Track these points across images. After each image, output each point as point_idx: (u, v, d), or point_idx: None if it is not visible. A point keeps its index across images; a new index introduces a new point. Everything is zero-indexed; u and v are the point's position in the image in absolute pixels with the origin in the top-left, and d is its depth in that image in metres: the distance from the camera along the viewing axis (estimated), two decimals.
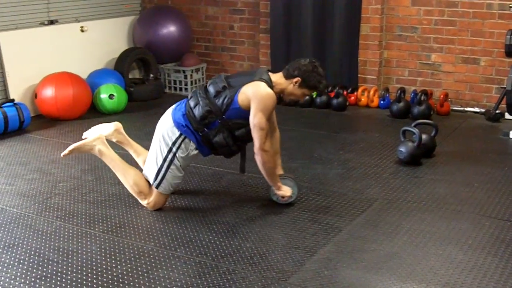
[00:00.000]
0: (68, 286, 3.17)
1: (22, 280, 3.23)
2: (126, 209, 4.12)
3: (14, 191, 4.49)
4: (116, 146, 4.43)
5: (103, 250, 3.55)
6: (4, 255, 3.51)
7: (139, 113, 6.59)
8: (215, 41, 7.79)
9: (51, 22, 6.80)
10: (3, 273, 3.31)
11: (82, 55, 7.02)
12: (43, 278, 3.26)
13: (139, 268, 3.33)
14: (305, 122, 6.19)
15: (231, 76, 4.08)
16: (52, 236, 3.75)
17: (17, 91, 6.36)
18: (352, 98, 6.73)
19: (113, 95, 6.52)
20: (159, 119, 4.10)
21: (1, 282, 3.21)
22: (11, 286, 3.18)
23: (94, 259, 3.45)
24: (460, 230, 3.75)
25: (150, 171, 4.04)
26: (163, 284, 3.17)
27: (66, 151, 4.14)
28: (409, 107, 6.19)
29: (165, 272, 3.29)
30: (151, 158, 4.05)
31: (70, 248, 3.59)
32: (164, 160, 3.96)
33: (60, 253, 3.53)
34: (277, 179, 4.04)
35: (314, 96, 6.70)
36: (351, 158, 5.07)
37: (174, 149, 3.94)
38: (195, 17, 7.83)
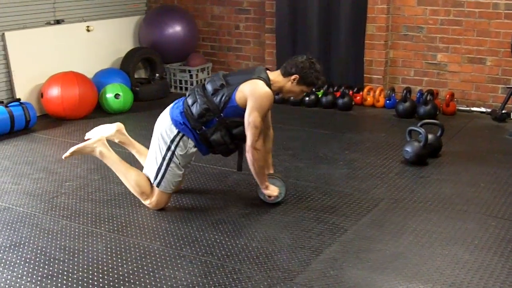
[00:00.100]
0: (74, 285, 3.18)
1: (29, 279, 3.24)
2: (132, 208, 4.13)
3: (20, 190, 4.51)
4: (118, 147, 4.44)
5: (109, 249, 3.56)
6: (10, 254, 3.53)
7: (144, 113, 6.59)
8: (220, 41, 7.80)
9: (57, 22, 6.82)
10: (10, 272, 3.32)
11: (88, 54, 7.03)
12: (49, 277, 3.26)
13: (145, 267, 3.34)
14: (311, 121, 6.19)
15: (229, 74, 4.09)
16: (58, 235, 3.76)
17: (23, 91, 6.38)
18: (358, 97, 6.72)
19: (119, 94, 6.53)
20: None
21: (8, 281, 3.22)
22: (17, 285, 3.19)
23: (100, 258, 3.45)
24: (466, 230, 3.74)
25: (150, 170, 4.05)
26: (169, 283, 3.17)
27: (67, 153, 4.17)
28: (415, 107, 6.17)
29: (171, 271, 3.30)
30: (150, 157, 4.06)
31: (76, 247, 3.59)
32: (163, 158, 3.96)
33: (66, 252, 3.53)
34: (265, 178, 4.05)
35: (320, 95, 6.70)
36: (357, 158, 5.06)
37: (172, 147, 3.95)
38: (201, 17, 7.83)
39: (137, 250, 3.55)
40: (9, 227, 3.88)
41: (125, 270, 3.31)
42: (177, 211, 4.10)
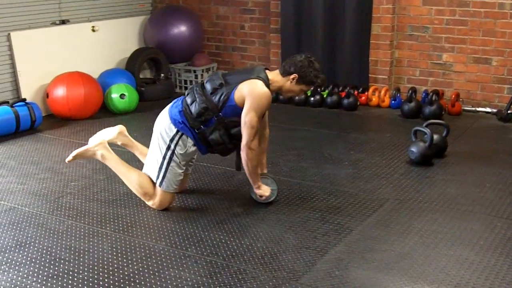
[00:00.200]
0: (80, 285, 3.18)
1: (34, 279, 3.25)
2: (137, 208, 4.13)
3: (26, 190, 4.52)
4: (119, 147, 4.45)
5: (114, 249, 3.56)
6: (16, 254, 3.53)
7: (150, 113, 6.57)
8: (225, 41, 7.80)
9: (63, 22, 6.83)
10: (16, 272, 3.33)
11: (93, 54, 7.05)
12: (55, 276, 3.27)
13: (150, 267, 3.34)
14: (316, 122, 6.18)
15: (229, 73, 4.10)
16: (64, 235, 3.77)
17: (28, 91, 6.39)
18: (363, 98, 6.71)
19: (124, 94, 6.54)
20: None
21: (14, 281, 3.23)
22: (23, 285, 3.19)
23: (105, 258, 3.46)
24: (471, 230, 3.73)
25: (151, 170, 4.06)
26: (174, 283, 3.18)
27: (70, 157, 4.20)
28: (420, 107, 6.16)
29: (176, 271, 3.30)
30: (151, 156, 4.07)
31: (81, 247, 3.60)
32: (164, 157, 3.97)
33: (72, 252, 3.54)
34: (258, 178, 4.06)
35: (325, 95, 6.70)
36: (362, 158, 5.06)
37: (172, 146, 3.95)
38: (206, 17, 7.84)
39: (142, 250, 3.56)
40: (14, 227, 3.89)
41: (131, 270, 3.32)
42: (182, 211, 4.10)
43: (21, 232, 3.82)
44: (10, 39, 6.25)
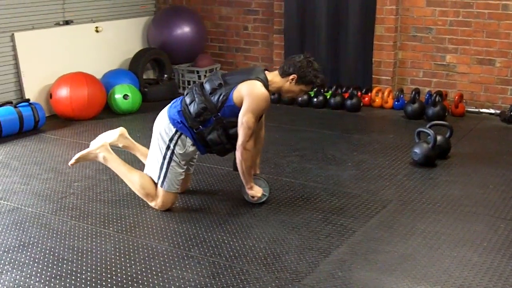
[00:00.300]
0: (83, 285, 3.18)
1: (37, 279, 3.25)
2: (140, 209, 4.13)
3: (29, 190, 4.52)
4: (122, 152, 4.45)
5: (117, 250, 3.57)
6: (19, 254, 3.54)
7: (153, 114, 6.49)
8: (229, 42, 7.81)
9: (67, 23, 6.84)
10: (19, 272, 3.33)
11: (97, 55, 7.05)
12: (58, 277, 3.27)
13: (153, 268, 3.34)
14: (319, 123, 6.18)
15: (228, 73, 4.11)
16: (67, 235, 3.77)
17: (32, 91, 6.40)
18: (366, 99, 6.71)
19: (127, 95, 6.54)
20: None
21: (17, 281, 3.23)
22: (26, 285, 3.20)
23: (108, 259, 3.46)
24: (475, 232, 3.73)
25: (152, 170, 4.06)
26: (177, 284, 3.18)
27: (72, 160, 4.23)
28: (424, 108, 6.16)
29: (179, 272, 3.30)
30: (151, 157, 4.07)
31: (84, 248, 3.60)
32: (164, 157, 3.98)
33: (75, 252, 3.54)
34: (250, 178, 4.06)
35: (328, 96, 6.70)
36: (365, 159, 5.05)
37: (171, 146, 3.96)
38: (209, 18, 7.84)
39: (145, 250, 3.56)
40: (18, 227, 3.89)
41: (133, 271, 3.32)
42: (185, 211, 4.10)
43: (24, 233, 3.82)
44: (13, 39, 6.26)
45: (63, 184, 4.62)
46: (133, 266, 3.37)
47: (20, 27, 6.36)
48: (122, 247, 3.60)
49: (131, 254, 3.51)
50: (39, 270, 3.34)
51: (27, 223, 3.96)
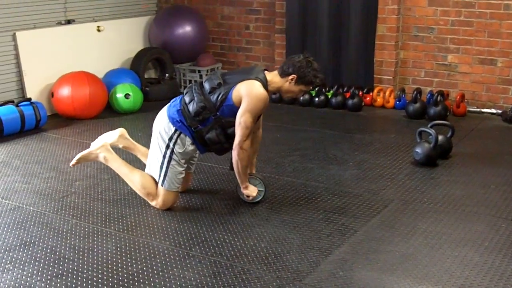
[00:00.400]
0: (84, 284, 3.19)
1: (38, 278, 3.25)
2: (142, 208, 4.14)
3: (31, 189, 4.52)
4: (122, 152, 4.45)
5: (118, 249, 3.57)
6: (20, 253, 3.54)
7: (154, 113, 6.47)
8: (230, 41, 7.80)
9: (68, 22, 6.85)
10: (20, 271, 3.33)
11: (98, 54, 7.06)
12: (59, 276, 3.27)
13: (154, 267, 3.34)
14: (321, 122, 6.18)
15: (228, 73, 4.11)
16: (68, 235, 3.77)
17: (33, 90, 6.40)
18: (368, 98, 6.71)
19: (129, 94, 6.55)
20: None
21: (18, 280, 3.24)
22: (27, 284, 3.20)
23: (109, 258, 3.46)
24: (476, 231, 3.73)
25: (153, 169, 4.07)
26: (178, 283, 3.18)
27: (73, 161, 4.25)
28: (425, 108, 6.16)
29: (180, 271, 3.30)
30: (152, 156, 4.08)
31: (86, 247, 3.60)
32: (164, 156, 3.98)
33: (76, 251, 3.54)
34: (246, 178, 4.06)
35: (329, 96, 6.70)
36: (367, 159, 5.05)
37: (171, 145, 3.97)
38: (211, 17, 7.84)
39: (146, 249, 3.56)
40: (19, 226, 3.90)
41: (135, 270, 3.32)
42: (186, 211, 4.11)
43: (26, 231, 3.82)
44: (15, 38, 6.27)
45: (64, 183, 4.63)
46: (134, 265, 3.37)
47: (21, 26, 6.36)
48: (123, 246, 3.60)
49: (132, 253, 3.51)
50: (40, 269, 3.35)
51: (28, 222, 3.96)
